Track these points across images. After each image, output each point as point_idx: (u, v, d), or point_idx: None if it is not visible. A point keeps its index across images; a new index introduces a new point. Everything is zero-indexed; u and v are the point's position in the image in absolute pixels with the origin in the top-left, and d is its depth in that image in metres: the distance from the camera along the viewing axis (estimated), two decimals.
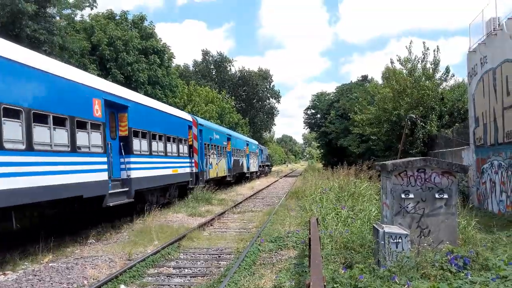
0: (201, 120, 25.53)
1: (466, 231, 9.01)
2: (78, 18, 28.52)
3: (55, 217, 12.62)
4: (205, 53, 75.65)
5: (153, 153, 16.19)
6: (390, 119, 26.45)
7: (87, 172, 11.22)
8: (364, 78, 55.44)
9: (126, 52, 28.44)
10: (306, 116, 70.11)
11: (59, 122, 10.13)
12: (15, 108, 8.73)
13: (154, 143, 16.28)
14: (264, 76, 79.22)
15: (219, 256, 10.00)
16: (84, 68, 24.61)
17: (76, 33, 26.62)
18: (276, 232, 11.80)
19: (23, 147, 8.85)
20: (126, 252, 10.02)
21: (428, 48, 26.01)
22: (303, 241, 10.11)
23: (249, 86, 75.91)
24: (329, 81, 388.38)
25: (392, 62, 28.05)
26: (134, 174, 14.03)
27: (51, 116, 9.80)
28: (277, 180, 44.11)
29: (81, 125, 11.08)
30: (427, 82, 25.70)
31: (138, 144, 14.69)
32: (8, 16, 17.36)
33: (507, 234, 9.66)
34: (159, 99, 28.76)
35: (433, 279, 6.01)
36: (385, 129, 27.32)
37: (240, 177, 35.91)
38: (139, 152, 14.67)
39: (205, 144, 24.32)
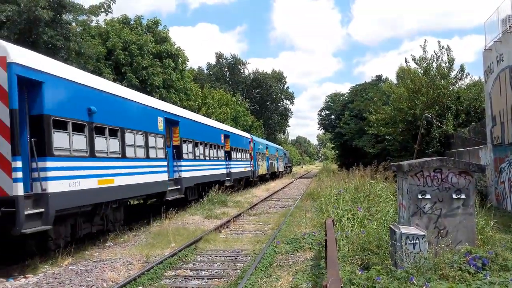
0: (254, 137, 38.34)
1: (484, 232, 8.90)
2: (93, 24, 28.94)
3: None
4: (219, 56, 76.05)
5: (209, 158, 22.35)
6: (406, 119, 26.22)
7: (156, 174, 14.91)
8: (379, 78, 55.05)
9: (141, 56, 28.72)
10: (321, 117, 69.91)
11: (139, 137, 13.80)
12: (114, 128, 12.24)
13: (212, 151, 22.91)
14: (278, 78, 79.28)
15: (236, 258, 10.04)
16: (99, 73, 24.94)
17: (92, 39, 26.98)
18: (292, 233, 11.81)
19: (120, 156, 12.47)
20: (144, 255, 10.14)
21: (443, 47, 25.76)
22: (319, 242, 10.10)
23: (263, 88, 76.06)
24: (342, 81, 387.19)
25: (406, 62, 27.84)
26: (184, 174, 17.88)
27: (134, 133, 13.49)
28: (292, 182, 44.06)
29: (151, 138, 14.76)
30: (442, 81, 25.42)
31: (186, 149, 18.64)
32: (25, 23, 17.71)
33: None
34: (174, 103, 28.97)
35: (451, 280, 5.98)
36: (401, 129, 27.09)
37: (272, 174, 47.04)
38: (190, 156, 19.05)
39: (256, 153, 35.76)
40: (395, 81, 36.88)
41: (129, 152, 12.95)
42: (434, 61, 26.12)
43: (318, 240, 10.44)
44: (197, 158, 20.10)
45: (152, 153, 14.62)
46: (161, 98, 27.95)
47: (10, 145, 8.44)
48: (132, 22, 32.30)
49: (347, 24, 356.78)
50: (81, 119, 10.57)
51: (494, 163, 16.94)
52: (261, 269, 8.38)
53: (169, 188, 16.10)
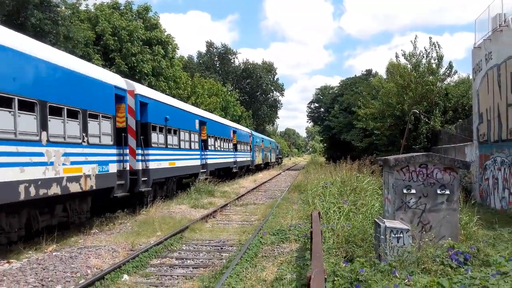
0: (254, 132, 45.32)
1: (467, 227, 9.03)
2: (82, 7, 28.49)
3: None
4: (210, 45, 75.53)
5: (222, 149, 28.26)
6: (394, 114, 26.39)
7: (194, 160, 21.41)
8: (369, 72, 55.20)
9: (131, 42, 28.40)
10: (310, 109, 70.00)
11: (187, 134, 20.38)
12: (176, 129, 18.66)
13: (224, 143, 29.23)
14: (268, 69, 79.08)
15: (221, 248, 10.08)
16: (89, 58, 24.64)
17: (81, 23, 26.58)
18: (278, 225, 11.87)
19: (178, 147, 18.89)
20: (129, 243, 10.12)
21: (433, 43, 25.88)
22: (305, 234, 10.17)
23: (253, 78, 75.84)
24: (332, 74, 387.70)
25: (397, 57, 27.94)
26: (209, 161, 24.25)
27: (185, 132, 20.05)
28: (279, 174, 44.19)
29: (192, 134, 21.22)
30: (431, 77, 25.59)
31: (212, 143, 25.47)
32: (13, 4, 17.38)
33: (508, 230, 9.66)
34: (162, 91, 28.78)
35: (434, 274, 6.05)
36: (389, 124, 27.27)
37: (266, 164, 52.86)
38: (213, 148, 25.55)
39: (254, 145, 42.17)
40: (384, 76, 36.98)
41: (182, 144, 19.41)
42: (423, 57, 26.26)
43: (304, 232, 10.51)
44: (217, 149, 26.74)
45: (192, 145, 21.06)
46: (150, 85, 27.74)
47: (135, 141, 14.45)
48: (122, 8, 31.88)
49: (339, 17, 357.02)
50: (162, 124, 16.86)
51: (479, 160, 17.16)
52: (246, 259, 8.42)
53: (201, 171, 22.54)
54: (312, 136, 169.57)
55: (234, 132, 33.16)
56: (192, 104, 32.54)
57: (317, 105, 67.90)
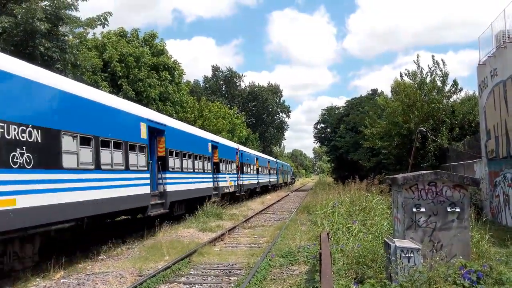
0: (277, 160, 62.23)
1: (479, 245, 8.87)
2: (90, 36, 29.00)
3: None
4: (215, 69, 76.43)
5: (227, 172, 27.78)
6: (401, 133, 26.33)
7: (204, 182, 21.77)
8: (374, 92, 55.35)
9: (138, 68, 28.79)
10: (316, 130, 70.00)
11: (201, 159, 21.46)
12: (190, 153, 19.65)
13: (247, 168, 34.20)
14: (274, 91, 79.64)
15: (230, 272, 9.95)
16: (96, 85, 25.00)
17: (88, 51, 27.04)
18: (287, 247, 11.73)
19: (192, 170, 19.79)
20: (137, 268, 10.03)
21: (437, 62, 25.97)
22: (314, 256, 10.03)
23: (259, 101, 76.33)
24: (337, 95, 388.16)
25: (401, 76, 28.04)
26: (221, 184, 25.05)
27: (198, 156, 20.99)
28: (287, 195, 43.95)
29: (205, 160, 22.13)
30: (436, 94, 25.61)
31: (224, 167, 26.37)
32: (22, 35, 17.72)
33: None
34: (170, 115, 28.97)
35: None
36: (396, 143, 27.18)
37: (284, 183, 65.30)
38: (224, 171, 26.40)
39: (277, 169, 55.54)
40: (390, 95, 37.04)
41: (196, 166, 20.46)
42: (428, 75, 26.33)
43: (313, 253, 10.37)
44: (228, 172, 28.06)
45: (205, 167, 22.14)
46: (158, 110, 27.98)
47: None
48: (129, 35, 32.44)
49: (342, 38, 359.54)
50: (178, 149, 17.80)
51: (489, 177, 16.98)
52: (255, 283, 8.31)
53: (213, 193, 23.33)
54: (319, 156, 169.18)
55: (257, 159, 40.21)
56: (199, 127, 32.81)
57: (323, 125, 67.92)
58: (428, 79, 26.28)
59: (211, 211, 20.21)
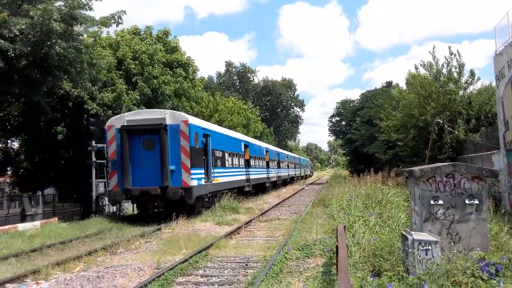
0: (300, 156, 76.57)
1: (498, 237, 8.77)
2: (103, 34, 29.20)
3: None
4: (229, 65, 76.54)
5: (256, 166, 33.97)
6: (417, 125, 26.06)
7: (240, 175, 26.90)
8: (389, 84, 54.89)
9: (152, 65, 28.93)
10: (331, 123, 69.79)
11: (235, 155, 26.56)
12: (227, 152, 25.00)
13: (283, 164, 46.38)
14: (288, 85, 79.45)
15: (246, 265, 10.02)
16: (112, 83, 25.34)
17: (102, 49, 27.24)
18: (303, 240, 11.75)
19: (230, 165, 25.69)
20: (155, 261, 10.18)
21: (452, 53, 25.56)
22: (330, 249, 10.04)
23: (273, 95, 76.25)
24: (352, 87, 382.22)
25: (416, 68, 27.70)
26: (252, 176, 29.65)
27: (234, 154, 26.31)
28: (303, 188, 43.93)
29: (238, 156, 27.15)
30: (452, 85, 25.26)
31: (253, 162, 31.39)
32: (38, 35, 17.93)
33: None
34: (186, 111, 29.11)
35: (464, 287, 5.90)
36: (412, 135, 26.91)
37: (304, 176, 72.40)
38: (253, 166, 31.37)
39: (299, 164, 65.11)
40: (404, 87, 36.66)
41: (228, 163, 24.29)
42: (444, 66, 25.96)
43: (329, 246, 10.37)
44: (256, 166, 33.55)
45: (240, 163, 27.65)
46: (173, 107, 28.20)
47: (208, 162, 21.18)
48: (142, 33, 32.59)
49: (354, 30, 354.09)
50: (220, 149, 22.63)
51: (508, 168, 16.72)
52: (271, 276, 8.35)
53: (245, 184, 28.06)
54: (335, 150, 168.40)
55: (287, 156, 51.86)
56: (215, 122, 33.35)
57: (338, 118, 67.68)
58: (444, 70, 25.91)
59: (227, 205, 20.35)
